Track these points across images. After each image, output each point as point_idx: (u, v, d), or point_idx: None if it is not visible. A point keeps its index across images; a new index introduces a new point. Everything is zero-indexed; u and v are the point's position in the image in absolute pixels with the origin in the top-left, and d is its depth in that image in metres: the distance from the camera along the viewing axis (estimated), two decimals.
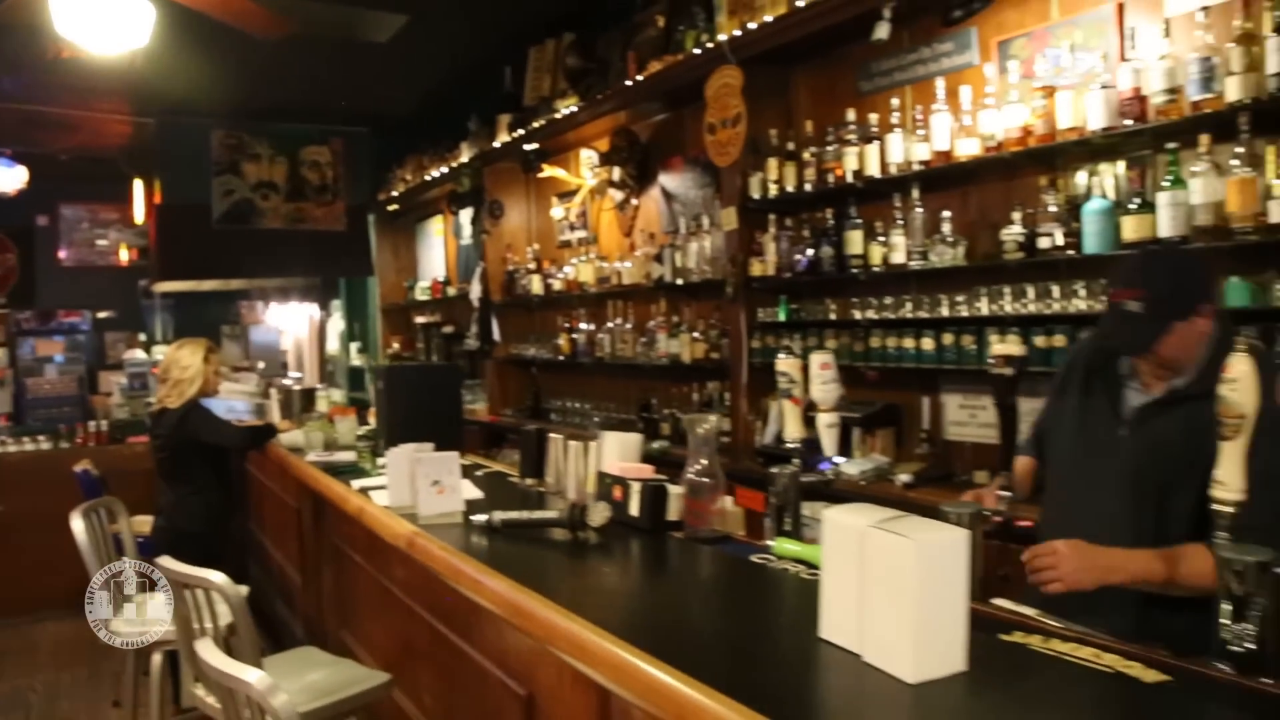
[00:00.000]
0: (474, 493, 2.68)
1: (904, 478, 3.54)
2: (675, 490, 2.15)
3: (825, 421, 2.20)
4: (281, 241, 8.46)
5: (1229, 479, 1.51)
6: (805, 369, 2.20)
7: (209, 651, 1.67)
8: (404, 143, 8.21)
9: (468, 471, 3.13)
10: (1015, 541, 2.35)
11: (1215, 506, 1.53)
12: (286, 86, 7.49)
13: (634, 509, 2.19)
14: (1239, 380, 1.47)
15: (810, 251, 3.99)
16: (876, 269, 3.72)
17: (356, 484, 3.03)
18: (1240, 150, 2.62)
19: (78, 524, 3.30)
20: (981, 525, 1.87)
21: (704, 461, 2.07)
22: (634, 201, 5.58)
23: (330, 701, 2.31)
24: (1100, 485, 1.95)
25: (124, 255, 10.83)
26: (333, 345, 10.13)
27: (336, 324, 10.15)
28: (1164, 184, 2.77)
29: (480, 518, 2.28)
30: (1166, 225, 2.76)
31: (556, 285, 6.03)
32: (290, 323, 10.53)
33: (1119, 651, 1.35)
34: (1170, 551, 1.75)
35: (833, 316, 4.01)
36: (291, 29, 4.20)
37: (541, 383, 6.57)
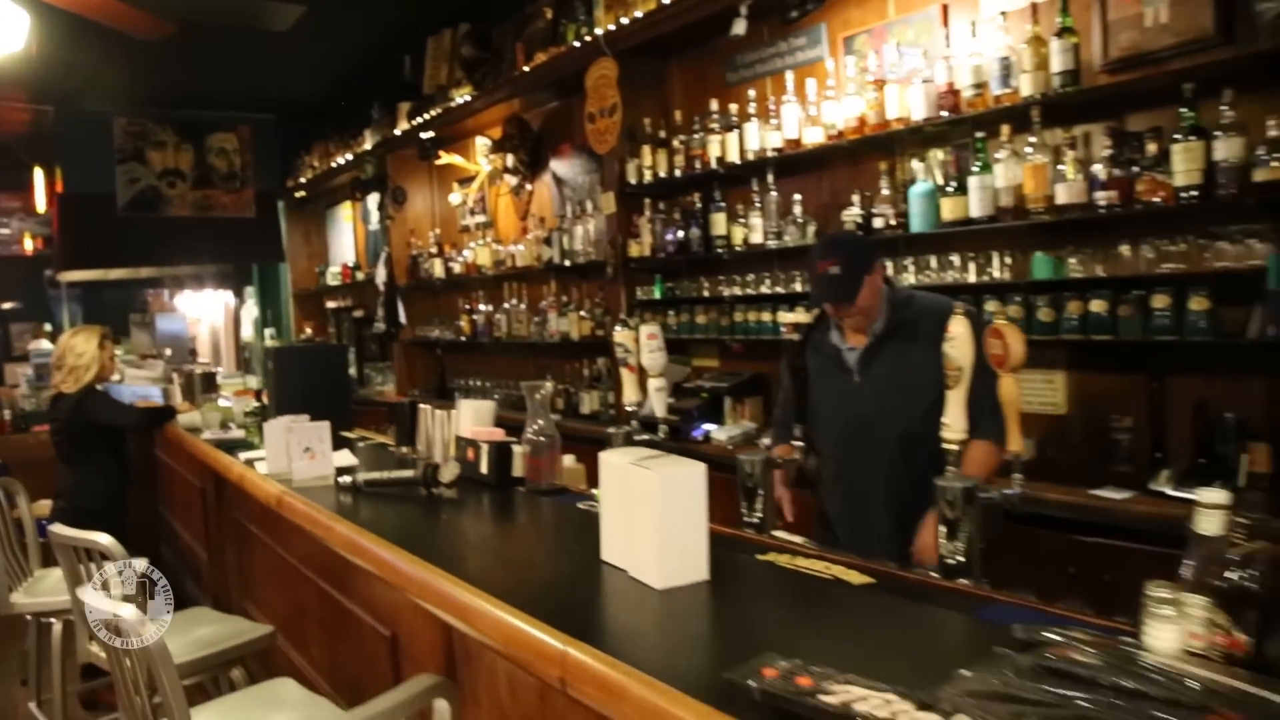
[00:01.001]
0: (349, 460, 2.91)
1: (766, 441, 3.84)
2: (519, 450, 2.41)
3: (654, 386, 2.46)
4: (189, 229, 8.49)
5: (954, 421, 1.82)
6: (638, 340, 2.47)
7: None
8: (312, 129, 8.30)
9: (352, 444, 3.35)
10: None
11: (944, 446, 1.83)
12: (191, 74, 7.50)
13: (484, 467, 2.44)
14: (957, 339, 1.77)
15: (680, 233, 4.27)
16: (739, 249, 4.01)
17: (243, 456, 3.23)
18: (1034, 139, 2.95)
19: None
20: (773, 469, 2.18)
21: (540, 423, 2.33)
22: (528, 187, 5.80)
23: (214, 651, 2.52)
24: (854, 429, 2.44)
25: (29, 245, 10.69)
26: (247, 332, 10.16)
27: (251, 310, 10.18)
28: (973, 169, 3.10)
29: (346, 479, 2.51)
30: (976, 206, 3.09)
31: (457, 269, 6.23)
32: (204, 310, 10.52)
33: (844, 564, 1.64)
34: None
35: (705, 294, 4.30)
36: (172, 30, 4.31)
37: (446, 363, 6.77)
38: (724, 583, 1.53)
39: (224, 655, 2.54)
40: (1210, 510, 1.17)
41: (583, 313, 5.00)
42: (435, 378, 6.76)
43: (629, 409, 2.54)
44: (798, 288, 3.83)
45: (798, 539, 1.95)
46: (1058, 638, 1.16)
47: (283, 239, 9.09)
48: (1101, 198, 2.77)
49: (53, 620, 3.30)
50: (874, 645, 1.27)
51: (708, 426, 4.20)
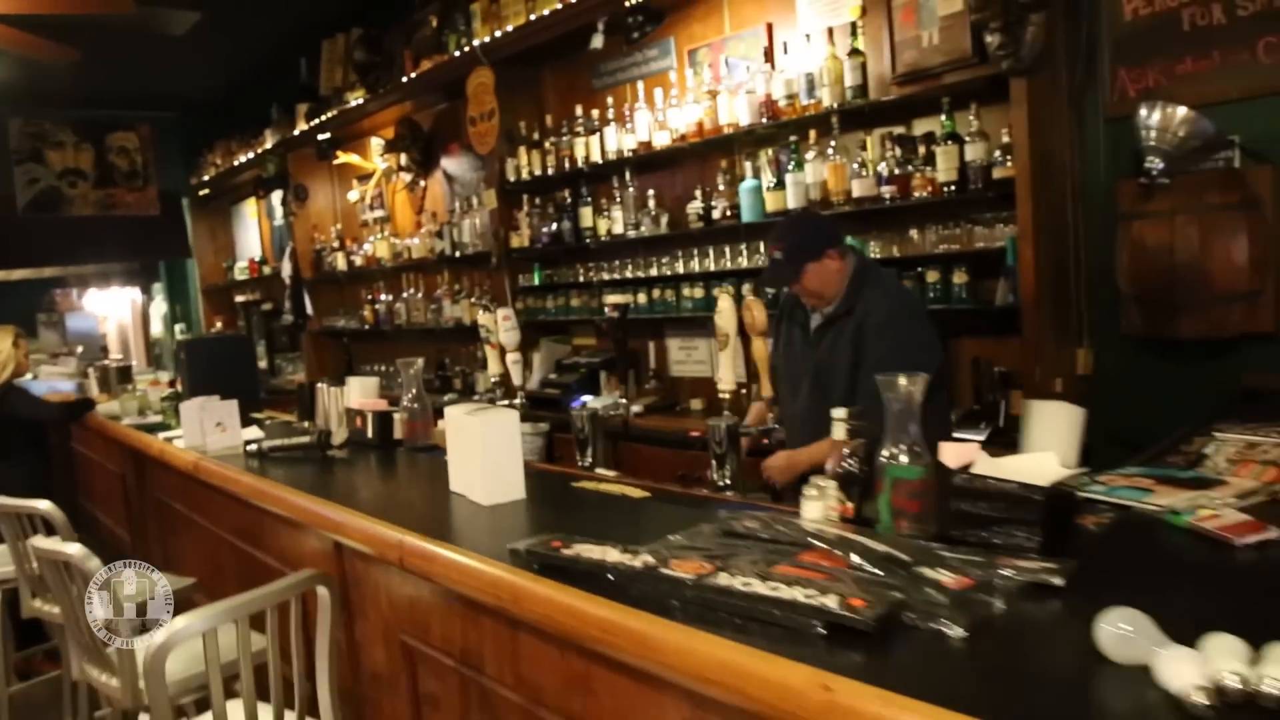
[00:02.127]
0: (257, 434, 3.34)
1: (636, 409, 4.36)
2: (399, 416, 2.89)
3: (510, 359, 2.96)
4: (93, 228, 8.65)
5: (724, 375, 2.36)
6: (495, 321, 2.96)
7: (37, 541, 2.30)
8: (213, 128, 8.52)
9: (260, 422, 3.77)
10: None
11: (719, 394, 2.37)
12: (89, 74, 7.66)
13: (369, 432, 2.91)
14: (722, 312, 2.31)
15: (554, 226, 4.76)
16: (604, 239, 4.52)
17: (161, 435, 3.63)
18: (834, 143, 3.52)
19: None
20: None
21: (414, 392, 2.81)
22: (421, 183, 6.22)
23: None
24: (800, 390, 2.63)
25: None
26: (156, 328, 10.32)
27: (159, 307, 10.35)
28: (789, 168, 3.66)
29: (252, 446, 2.96)
30: (792, 199, 3.65)
31: (358, 261, 6.62)
32: (111, 308, 10.63)
33: (632, 484, 2.17)
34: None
35: (579, 279, 4.80)
36: (76, 56, 4.62)
37: (353, 350, 7.14)
38: (537, 501, 2.05)
39: None
40: (839, 423, 1.71)
41: (473, 299, 5.45)
42: (343, 365, 7.13)
43: (493, 379, 3.03)
44: (654, 272, 4.35)
45: (611, 474, 2.48)
46: (745, 517, 1.69)
47: (189, 236, 9.30)
48: (886, 191, 3.35)
49: None
50: (624, 528, 1.79)
51: (585, 397, 4.70)
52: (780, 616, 1.18)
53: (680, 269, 4.20)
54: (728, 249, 4.01)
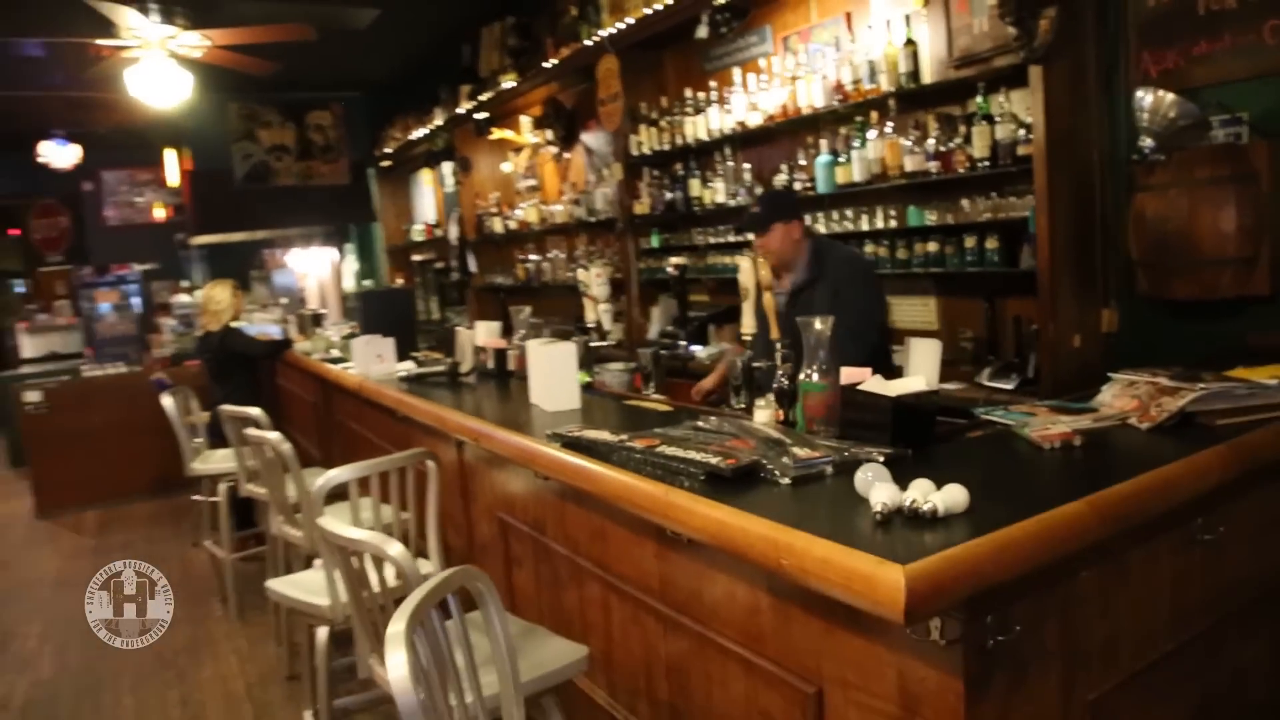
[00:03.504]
0: (409, 366, 4.20)
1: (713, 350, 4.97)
2: (513, 352, 3.65)
3: (602, 309, 3.66)
4: (295, 196, 9.98)
5: (745, 322, 2.97)
6: (590, 277, 3.66)
7: (250, 431, 3.20)
8: (393, 106, 9.62)
9: (415, 359, 4.65)
10: None
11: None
12: (291, 62, 8.86)
13: (490, 364, 3.70)
14: (742, 270, 2.91)
15: (669, 195, 5.41)
16: (709, 207, 5.14)
17: (339, 367, 4.58)
18: (890, 123, 4.00)
19: (167, 401, 4.87)
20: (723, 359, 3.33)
21: (522, 333, 3.56)
22: (566, 156, 6.99)
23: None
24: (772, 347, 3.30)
25: (160, 213, 12.40)
26: (349, 283, 11.68)
27: (351, 264, 11.70)
28: (854, 145, 4.16)
29: (402, 373, 3.81)
30: (857, 173, 4.16)
31: (513, 225, 7.49)
32: (311, 266, 12.09)
33: (663, 402, 2.83)
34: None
35: (696, 242, 5.43)
36: (272, 69, 5.65)
37: (508, 304, 8.04)
38: (589, 410, 2.75)
39: None
40: (779, 350, 2.32)
41: (604, 259, 6.18)
42: (501, 317, 8.05)
43: (589, 325, 3.74)
44: (751, 236, 4.94)
45: (659, 397, 3.15)
46: (714, 420, 2.33)
47: (374, 202, 10.51)
48: (933, 166, 3.82)
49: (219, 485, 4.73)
50: (636, 425, 2.46)
51: (695, 347, 5.37)
52: (680, 468, 1.84)
53: None
54: (808, 216, 4.55)
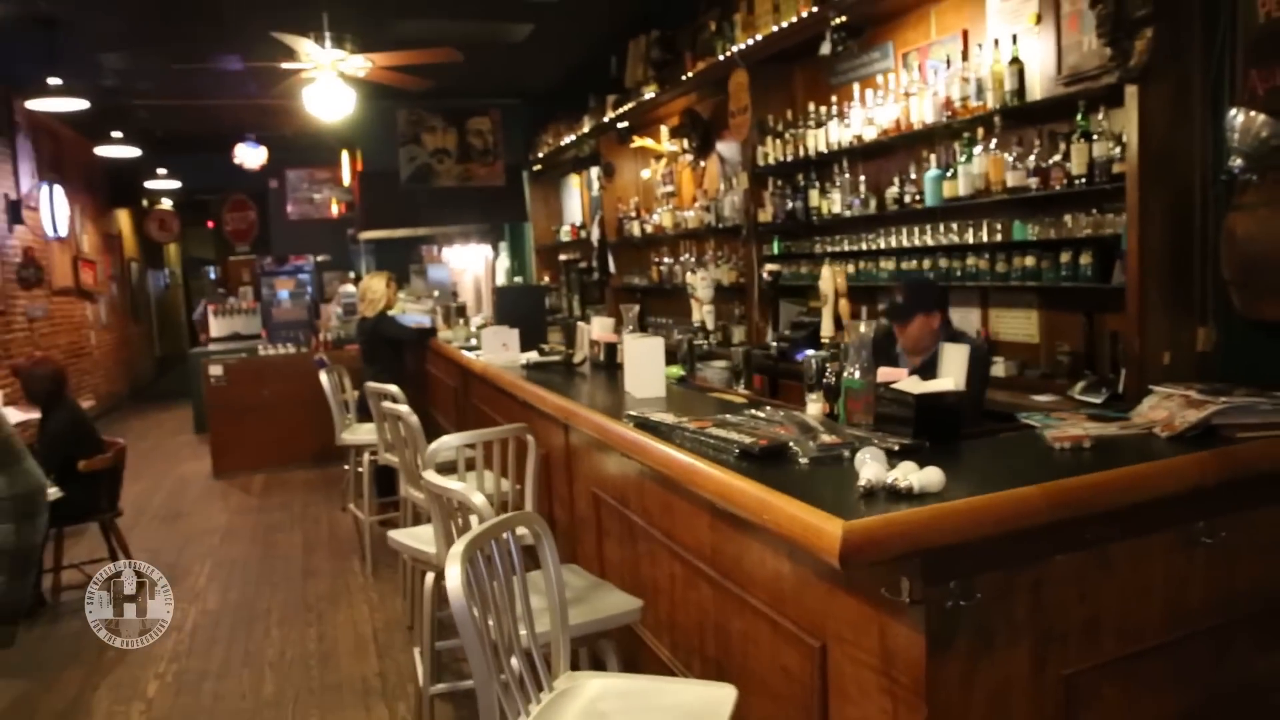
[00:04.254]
0: (534, 357, 4.59)
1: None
2: (620, 345, 3.98)
3: (705, 310, 3.94)
4: (454, 196, 10.70)
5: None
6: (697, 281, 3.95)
7: (385, 404, 3.66)
8: (546, 113, 10.17)
9: (541, 349, 5.05)
10: None
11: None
12: (453, 72, 9.55)
13: (602, 356, 4.05)
14: (824, 279, 3.15)
15: (790, 204, 5.63)
16: (826, 217, 5.33)
17: (471, 354, 5.05)
18: (995, 139, 4.11)
19: (324, 377, 5.48)
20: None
21: (631, 328, 3.88)
22: (701, 164, 7.29)
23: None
24: None
25: (334, 209, 13.47)
26: (501, 279, 12.36)
27: (504, 262, 12.38)
28: (960, 160, 4.29)
29: (523, 361, 4.21)
30: (963, 187, 4.28)
31: (649, 229, 7.85)
32: (468, 261, 12.88)
33: (739, 394, 3.09)
34: None
35: (820, 251, 5.62)
36: (428, 85, 6.25)
37: (644, 304, 8.42)
38: (673, 398, 3.05)
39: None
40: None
41: (729, 264, 6.45)
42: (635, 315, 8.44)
43: (695, 325, 4.03)
44: (863, 246, 5.12)
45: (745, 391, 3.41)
46: (772, 409, 2.58)
47: (526, 203, 11.12)
48: (1032, 182, 3.92)
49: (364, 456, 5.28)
50: (710, 412, 2.74)
51: (808, 351, 5.56)
52: (722, 445, 2.12)
53: (881, 245, 4.94)
54: (916, 229, 4.70)
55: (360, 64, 6.40)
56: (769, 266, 3.91)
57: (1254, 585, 2.05)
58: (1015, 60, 4.01)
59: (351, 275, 12.10)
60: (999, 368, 4.20)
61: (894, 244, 4.87)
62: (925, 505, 1.61)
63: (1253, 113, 3.16)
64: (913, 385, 2.23)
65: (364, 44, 6.63)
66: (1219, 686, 2.03)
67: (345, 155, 11.55)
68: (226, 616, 4.80)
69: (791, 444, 2.08)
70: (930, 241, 4.61)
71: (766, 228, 5.93)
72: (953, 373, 2.36)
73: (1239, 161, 3.18)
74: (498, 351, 4.39)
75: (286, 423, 8.09)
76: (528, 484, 3.13)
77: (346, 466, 5.99)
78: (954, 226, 4.51)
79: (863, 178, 5.09)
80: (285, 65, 6.40)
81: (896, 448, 2.01)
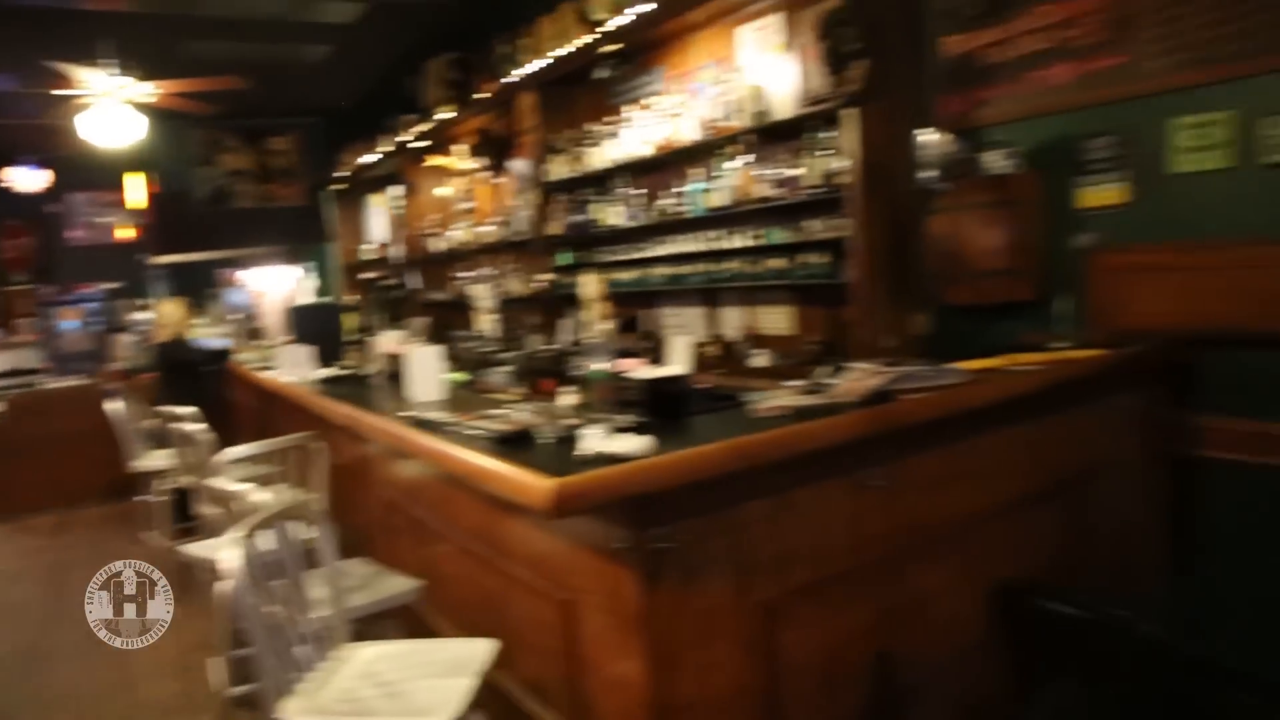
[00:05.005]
0: (331, 372, 4.73)
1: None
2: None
3: (488, 320, 4.22)
4: (254, 218, 10.53)
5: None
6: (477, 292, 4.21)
7: (213, 480, 3.74)
8: (347, 131, 10.16)
9: (338, 366, 5.19)
10: None
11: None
12: (250, 91, 9.42)
13: (392, 368, 4.24)
14: (586, 285, 3.48)
15: (576, 217, 5.99)
16: (607, 228, 5.72)
17: (271, 373, 5.13)
18: (752, 155, 4.59)
19: (112, 405, 5.39)
20: None
21: (418, 339, 4.11)
22: (497, 181, 7.56)
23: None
24: None
25: (123, 234, 12.85)
26: (308, 299, 12.19)
27: (310, 282, 12.22)
28: (716, 174, 4.76)
29: (320, 376, 4.36)
30: (721, 199, 4.75)
31: (450, 245, 8.04)
32: (272, 283, 12.63)
33: (520, 395, 3.39)
34: None
35: (605, 260, 6.00)
36: (210, 110, 6.27)
37: (448, 317, 8.59)
38: (450, 400, 3.30)
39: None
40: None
41: (526, 276, 6.73)
42: (435, 329, 8.60)
43: (478, 334, 4.29)
44: (645, 254, 5.53)
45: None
46: (533, 404, 2.88)
47: (330, 222, 11.05)
48: (779, 193, 4.42)
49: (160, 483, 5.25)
50: (486, 410, 3.01)
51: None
52: (481, 435, 2.41)
53: (661, 252, 5.37)
54: (686, 237, 5.15)
55: (148, 90, 6.33)
56: (546, 276, 4.22)
57: (915, 518, 2.51)
58: (762, 85, 4.50)
59: (146, 302, 11.64)
60: (761, 358, 4.68)
61: (668, 251, 5.30)
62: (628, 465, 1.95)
63: (939, 133, 3.74)
64: (645, 372, 2.59)
65: (155, 67, 6.55)
66: (892, 601, 2.48)
67: (131, 178, 11.11)
68: (15, 660, 4.67)
69: (535, 428, 2.39)
70: (698, 248, 5.06)
71: (557, 240, 6.27)
72: (679, 359, 2.73)
73: (933, 173, 3.75)
74: (293, 369, 4.50)
75: (78, 458, 7.76)
76: (319, 491, 3.31)
77: (142, 497, 5.89)
78: (717, 234, 4.97)
79: (643, 191, 5.50)
80: (59, 92, 6.24)
81: (626, 425, 2.36)
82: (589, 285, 3.39)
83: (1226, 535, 3.45)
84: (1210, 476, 3.48)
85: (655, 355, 4.02)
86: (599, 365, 2.64)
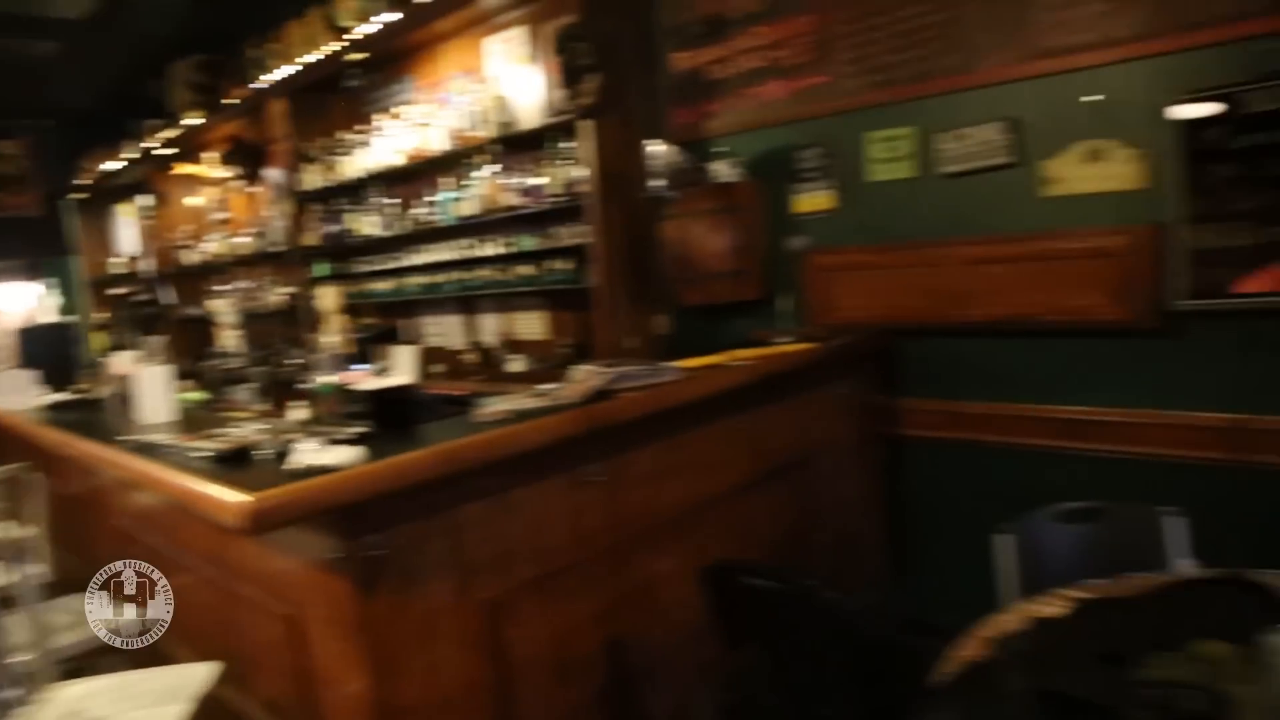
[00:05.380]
0: (62, 398, 4.44)
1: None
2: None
3: (230, 334, 4.11)
4: None
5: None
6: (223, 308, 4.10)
7: None
8: (87, 136, 9.45)
9: (71, 391, 4.87)
10: None
11: None
12: None
13: (124, 390, 4.05)
14: (325, 296, 3.48)
15: (333, 227, 5.89)
16: (363, 238, 5.67)
17: None
18: (499, 164, 4.69)
19: None
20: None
21: (158, 359, 3.95)
22: (252, 190, 7.29)
23: None
24: None
25: None
26: (52, 318, 11.24)
27: (54, 299, 11.27)
28: (466, 183, 4.83)
29: (48, 402, 4.10)
30: (471, 208, 4.82)
31: (204, 257, 7.68)
32: (9, 303, 11.56)
33: (257, 412, 3.35)
34: None
35: (362, 270, 5.93)
36: None
37: (206, 333, 8.20)
38: (182, 421, 3.22)
39: None
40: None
41: (280, 289, 6.55)
42: (201, 347, 8.19)
43: (222, 350, 4.17)
44: (404, 263, 5.52)
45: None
46: (265, 421, 2.87)
47: (72, 234, 10.24)
48: (523, 201, 4.54)
49: None
50: (218, 429, 2.96)
51: (356, 366, 5.86)
52: (201, 454, 2.38)
53: (416, 261, 5.38)
54: (440, 246, 5.19)
55: None
56: (290, 289, 4.16)
57: (637, 510, 2.70)
58: (508, 96, 4.61)
59: None
60: (517, 363, 4.80)
61: (423, 260, 5.32)
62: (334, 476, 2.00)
63: (665, 145, 3.99)
64: (370, 383, 2.64)
65: None
66: (620, 590, 2.65)
67: None
68: None
69: (255, 445, 2.39)
70: (452, 256, 5.12)
71: (313, 251, 6.14)
72: (405, 369, 2.80)
73: (662, 182, 3.99)
74: (13, 396, 4.20)
75: None
76: (35, 525, 3.13)
77: None
78: (470, 242, 5.04)
79: (397, 200, 5.49)
80: None
81: (347, 437, 2.40)
82: (326, 298, 3.39)
83: (927, 502, 3.88)
84: (914, 452, 3.90)
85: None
86: (327, 378, 2.66)
